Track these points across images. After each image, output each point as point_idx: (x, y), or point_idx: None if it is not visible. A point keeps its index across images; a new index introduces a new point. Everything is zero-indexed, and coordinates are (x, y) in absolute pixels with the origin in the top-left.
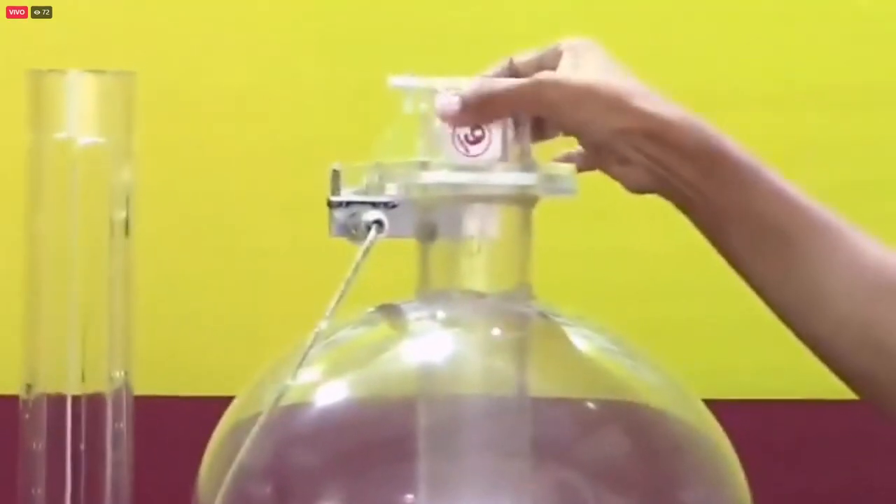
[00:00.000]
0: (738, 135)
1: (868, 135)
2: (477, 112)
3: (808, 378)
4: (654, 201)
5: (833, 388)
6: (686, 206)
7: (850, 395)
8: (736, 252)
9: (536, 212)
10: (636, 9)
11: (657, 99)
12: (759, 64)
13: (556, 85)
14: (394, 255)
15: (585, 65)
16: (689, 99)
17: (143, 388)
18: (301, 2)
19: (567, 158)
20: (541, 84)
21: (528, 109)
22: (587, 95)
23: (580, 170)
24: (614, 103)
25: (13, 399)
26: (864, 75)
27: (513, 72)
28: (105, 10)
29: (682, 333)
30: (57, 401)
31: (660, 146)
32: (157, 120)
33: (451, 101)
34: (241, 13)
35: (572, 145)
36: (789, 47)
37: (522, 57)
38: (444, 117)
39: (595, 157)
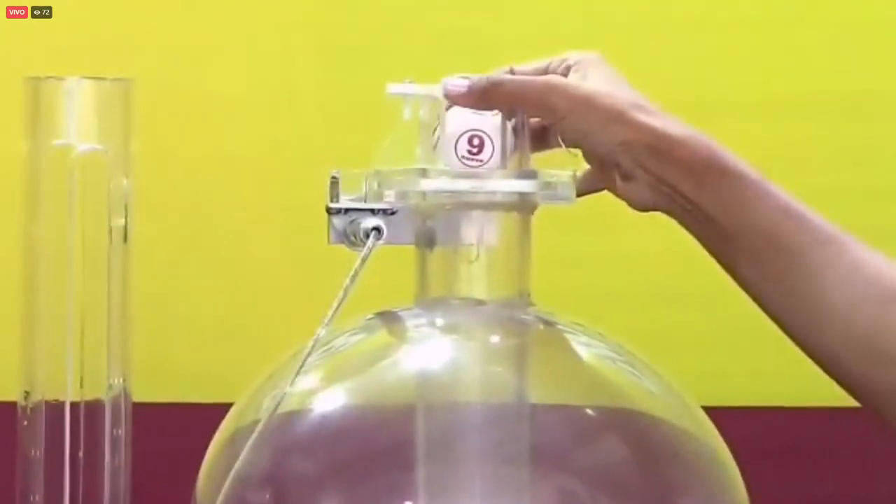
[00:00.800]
0: (731, 142)
1: (861, 142)
2: (481, 97)
3: (806, 385)
4: None
5: (831, 394)
6: (689, 222)
7: (848, 401)
8: (739, 267)
9: (535, 218)
10: (631, 18)
11: (658, 113)
12: (753, 72)
13: (563, 90)
14: (393, 261)
15: (591, 78)
16: (682, 106)
17: (141, 395)
18: (300, 9)
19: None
20: (548, 86)
21: (531, 109)
22: (588, 105)
23: (586, 192)
24: (615, 115)
25: (11, 406)
26: (858, 83)
27: None
28: (104, 12)
29: (681, 340)
30: (55, 407)
31: (660, 160)
32: (156, 126)
33: (458, 83)
34: (240, 20)
35: (573, 158)
36: (784, 55)
37: (524, 67)
38: (450, 97)
39: (600, 174)
